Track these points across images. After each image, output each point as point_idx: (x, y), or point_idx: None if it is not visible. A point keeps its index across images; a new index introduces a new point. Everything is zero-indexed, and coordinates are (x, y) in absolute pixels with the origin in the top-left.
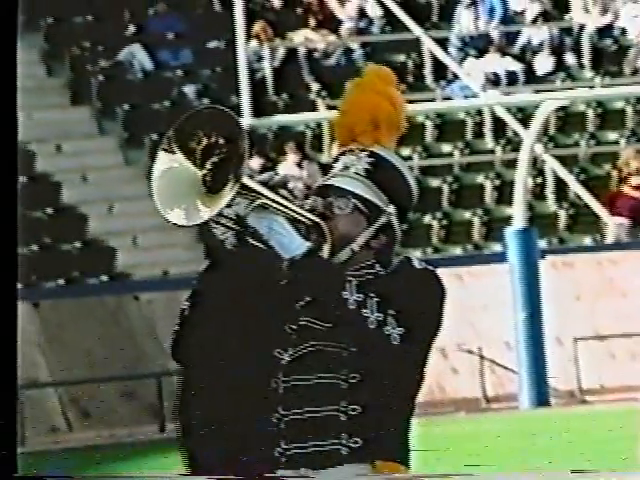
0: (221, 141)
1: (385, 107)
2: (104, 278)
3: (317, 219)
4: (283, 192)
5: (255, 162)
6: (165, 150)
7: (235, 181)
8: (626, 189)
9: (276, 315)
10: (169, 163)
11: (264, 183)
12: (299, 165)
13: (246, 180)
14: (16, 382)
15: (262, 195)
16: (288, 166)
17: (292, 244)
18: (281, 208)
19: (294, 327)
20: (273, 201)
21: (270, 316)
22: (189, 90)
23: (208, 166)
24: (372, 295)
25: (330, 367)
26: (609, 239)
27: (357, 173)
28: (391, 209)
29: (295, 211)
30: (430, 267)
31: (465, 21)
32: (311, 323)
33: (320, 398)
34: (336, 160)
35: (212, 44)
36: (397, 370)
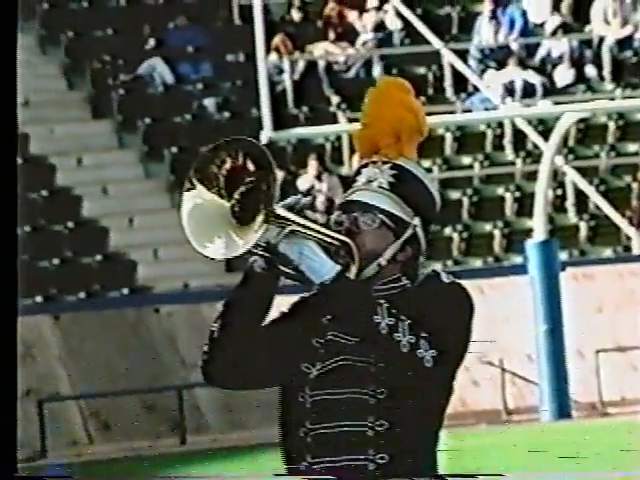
0: (249, 166)
1: (407, 118)
2: (125, 291)
3: (346, 239)
4: (309, 213)
5: None
6: (188, 189)
7: (267, 211)
8: None
9: (303, 330)
10: (194, 201)
11: (291, 207)
12: (319, 178)
13: (277, 209)
14: (16, 382)
15: (292, 222)
16: (308, 179)
17: (323, 268)
18: (310, 232)
19: (322, 341)
20: (302, 226)
21: (297, 331)
22: (209, 103)
23: (236, 196)
24: (403, 318)
25: (358, 382)
26: (636, 251)
27: (381, 186)
28: (416, 221)
29: (324, 233)
30: (458, 280)
31: (485, 33)
32: (338, 337)
33: (347, 413)
34: (358, 173)
35: (232, 57)
36: (428, 387)
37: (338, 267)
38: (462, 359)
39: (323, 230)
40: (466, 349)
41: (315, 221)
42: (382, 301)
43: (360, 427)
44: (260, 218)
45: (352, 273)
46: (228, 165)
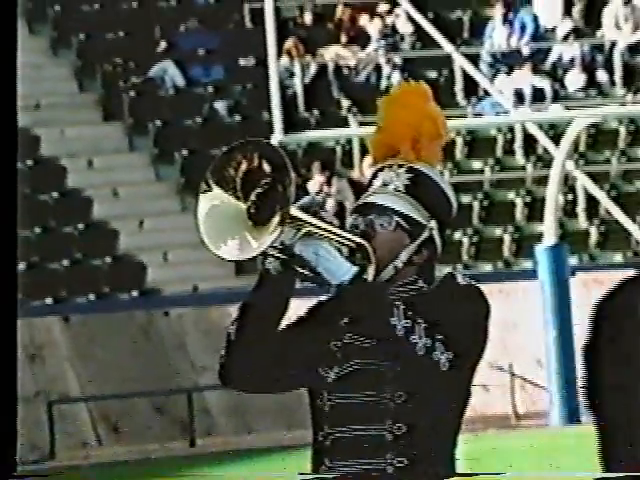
0: (265, 167)
1: (426, 123)
2: (134, 293)
3: (363, 241)
4: (325, 215)
5: None
6: (205, 191)
7: (282, 212)
8: None
9: (320, 333)
10: (210, 202)
11: (306, 208)
12: (327, 183)
13: (293, 210)
14: (16, 382)
15: (307, 223)
16: (317, 183)
17: (339, 270)
18: (326, 234)
19: (339, 345)
20: (318, 228)
21: (314, 334)
22: (220, 106)
23: (252, 198)
24: (420, 321)
25: (376, 386)
26: None
27: (397, 189)
28: (432, 224)
29: (340, 235)
30: (474, 282)
31: (496, 38)
32: (356, 341)
33: (366, 416)
34: (374, 177)
35: (243, 61)
36: (445, 390)
37: (355, 268)
38: (478, 362)
39: (339, 232)
40: (482, 352)
41: (331, 223)
42: (399, 303)
43: (378, 431)
44: (276, 219)
45: (369, 275)
46: (244, 167)
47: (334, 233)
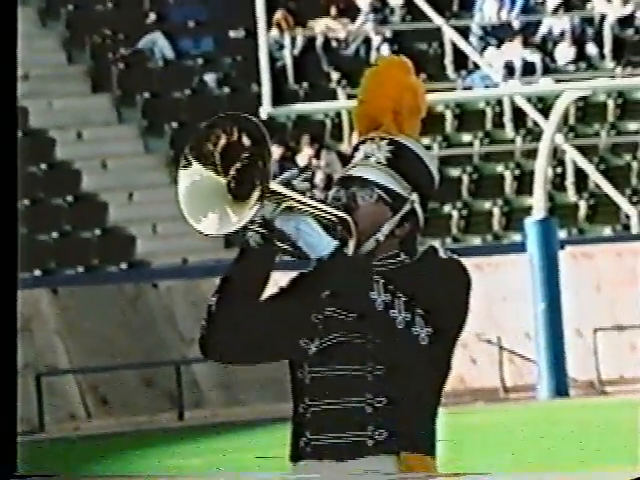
0: (245, 142)
1: (406, 96)
2: (123, 266)
3: (344, 214)
4: (306, 188)
5: (275, 151)
6: (184, 167)
7: (262, 187)
8: None
9: (302, 305)
10: (190, 178)
11: (288, 183)
12: (317, 155)
13: (273, 185)
14: (16, 382)
15: (288, 197)
16: (306, 156)
17: (320, 244)
18: (307, 208)
19: (320, 317)
20: (299, 202)
21: (296, 306)
22: (210, 78)
23: (232, 172)
24: (399, 295)
25: (356, 359)
26: (635, 229)
27: (378, 162)
28: (414, 197)
29: (321, 209)
30: (455, 256)
31: (487, 10)
32: (337, 314)
33: (346, 389)
34: (356, 149)
35: (233, 33)
36: (425, 364)
37: (335, 242)
38: (458, 336)
39: (320, 205)
40: (462, 327)
41: (312, 197)
42: (378, 277)
43: (359, 403)
44: (256, 194)
45: (350, 248)
46: (223, 141)
47: (315, 207)
